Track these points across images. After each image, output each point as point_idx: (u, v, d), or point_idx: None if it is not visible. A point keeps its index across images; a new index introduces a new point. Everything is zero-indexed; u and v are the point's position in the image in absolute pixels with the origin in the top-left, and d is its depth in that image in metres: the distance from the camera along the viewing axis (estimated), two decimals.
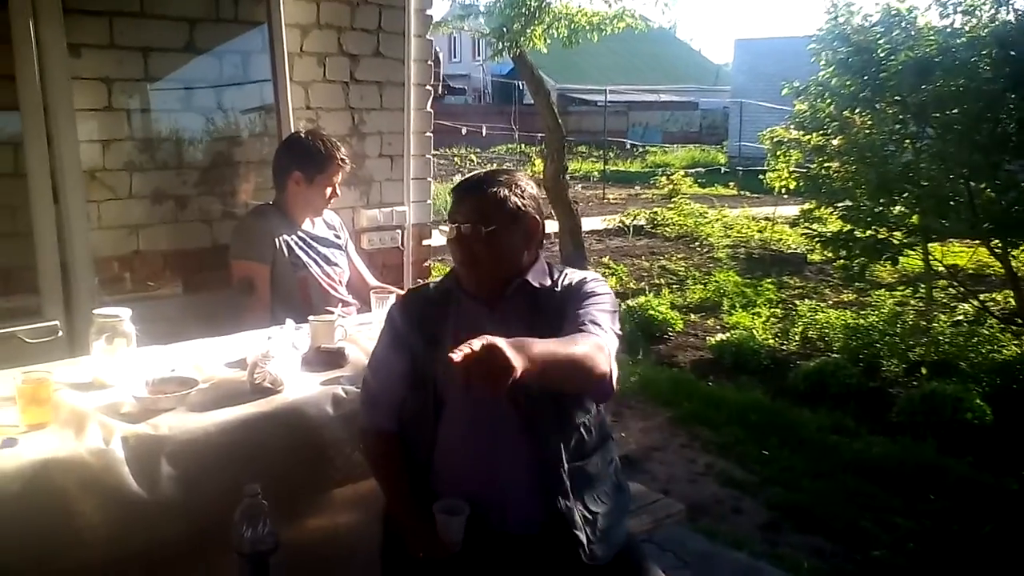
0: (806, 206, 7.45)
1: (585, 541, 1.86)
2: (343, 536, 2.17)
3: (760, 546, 3.60)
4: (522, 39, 8.09)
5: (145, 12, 3.16)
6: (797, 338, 6.70)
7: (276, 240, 3.06)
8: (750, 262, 9.87)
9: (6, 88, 2.80)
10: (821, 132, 6.75)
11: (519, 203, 1.94)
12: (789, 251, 10.35)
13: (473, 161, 20.48)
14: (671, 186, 15.29)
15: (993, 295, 7.14)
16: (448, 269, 2.13)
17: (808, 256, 9.75)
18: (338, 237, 3.31)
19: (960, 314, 6.77)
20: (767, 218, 12.19)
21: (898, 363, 5.96)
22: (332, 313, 2.63)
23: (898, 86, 5.87)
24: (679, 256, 10.24)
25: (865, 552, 3.58)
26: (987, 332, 6.18)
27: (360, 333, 2.60)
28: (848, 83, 6.28)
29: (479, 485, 1.89)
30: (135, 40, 3.15)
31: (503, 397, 1.72)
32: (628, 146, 25.14)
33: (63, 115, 2.89)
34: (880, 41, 6.05)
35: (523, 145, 23.80)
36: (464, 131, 20.43)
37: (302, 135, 3.22)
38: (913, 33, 6.02)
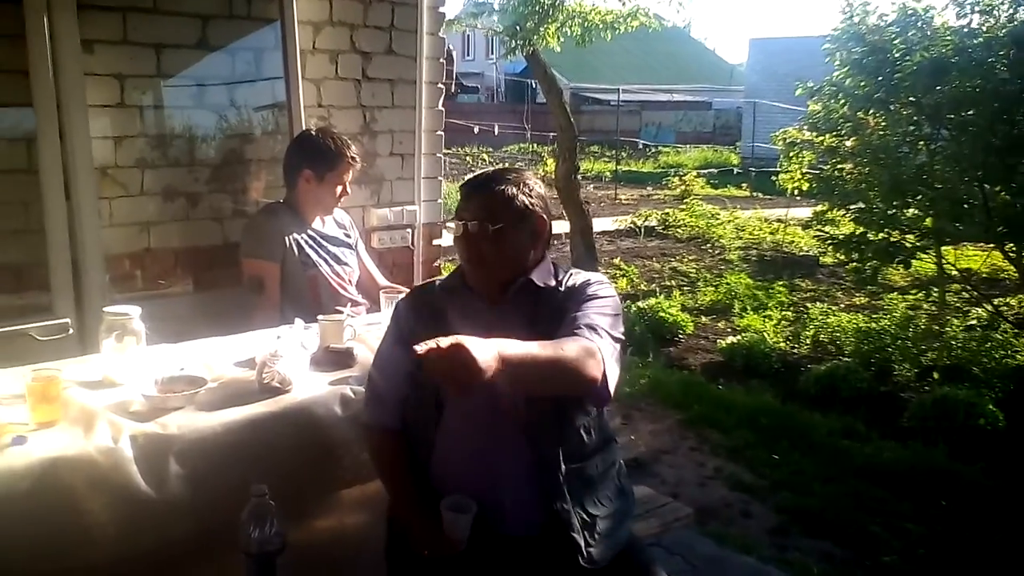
0: (819, 208, 7.43)
1: (582, 544, 1.86)
2: (350, 537, 2.17)
3: (769, 550, 3.59)
4: (535, 37, 8.08)
5: (158, 8, 3.16)
6: (808, 341, 6.67)
7: (286, 239, 3.06)
8: (762, 264, 9.84)
9: (20, 84, 2.81)
10: (834, 133, 6.73)
11: (527, 202, 1.94)
12: (801, 253, 10.31)
13: (485, 160, 20.47)
14: (683, 187, 15.25)
15: (1007, 299, 7.10)
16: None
17: (820, 259, 9.71)
18: (348, 236, 3.31)
19: (973, 318, 6.73)
20: (779, 220, 12.14)
21: (910, 367, 5.93)
22: (341, 312, 2.63)
23: (913, 87, 5.84)
24: (690, 258, 10.21)
25: (875, 557, 3.56)
26: (1000, 337, 6.14)
27: (369, 333, 2.60)
28: (862, 84, 6.25)
29: (479, 486, 1.89)
30: (148, 36, 3.15)
31: (504, 399, 1.80)
32: (640, 146, 25.06)
33: (76, 111, 2.90)
34: (895, 41, 6.02)
35: (535, 144, 23.76)
36: (476, 130, 20.41)
37: (313, 133, 3.22)
38: (929, 33, 5.99)
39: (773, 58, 23.12)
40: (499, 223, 1.90)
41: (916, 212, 6.11)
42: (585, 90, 29.24)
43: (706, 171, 18.01)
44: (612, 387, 1.80)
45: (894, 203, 6.08)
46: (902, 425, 5.01)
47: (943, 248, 6.59)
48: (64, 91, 2.86)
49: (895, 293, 7.74)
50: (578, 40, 8.58)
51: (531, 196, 1.95)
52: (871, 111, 6.27)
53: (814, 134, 7.06)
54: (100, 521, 1.79)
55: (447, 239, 4.13)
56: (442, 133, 4.15)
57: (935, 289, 7.07)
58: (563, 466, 1.88)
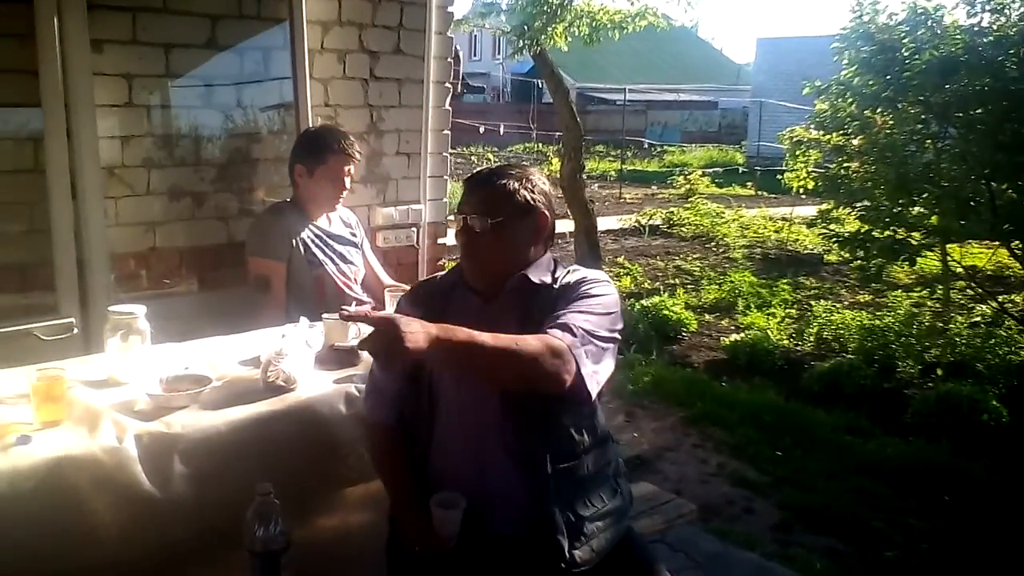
0: (824, 206, 7.42)
1: (566, 547, 1.83)
2: (354, 535, 2.18)
3: (772, 547, 3.60)
4: (543, 37, 8.08)
5: (168, 8, 3.16)
6: (812, 339, 6.67)
7: (293, 238, 3.07)
8: (766, 262, 9.84)
9: (28, 84, 2.82)
10: (841, 132, 6.72)
11: (528, 197, 1.92)
12: (806, 251, 10.31)
13: (490, 160, 20.45)
14: (688, 186, 15.25)
15: (1012, 296, 7.09)
16: None
17: (825, 256, 9.70)
18: (354, 235, 3.31)
19: (978, 315, 6.72)
20: (784, 218, 12.13)
21: (913, 364, 5.93)
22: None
23: (921, 85, 5.83)
24: (694, 256, 10.21)
25: (878, 553, 3.57)
26: (1004, 334, 6.14)
27: None
28: (871, 82, 6.24)
29: (469, 484, 1.89)
30: (157, 36, 3.16)
31: (489, 396, 1.84)
32: (646, 145, 25.04)
33: (84, 111, 2.90)
34: (905, 40, 6.01)
35: (540, 144, 23.77)
36: (482, 130, 20.43)
37: (312, 128, 3.23)
38: (939, 32, 5.97)
39: (780, 58, 23.12)
40: (499, 217, 1.90)
41: (922, 210, 6.10)
42: (591, 90, 29.21)
43: (711, 170, 17.97)
44: (593, 387, 1.77)
45: (900, 201, 6.07)
46: (905, 421, 5.02)
47: (948, 246, 6.58)
48: (72, 91, 2.87)
49: (899, 291, 7.74)
50: (586, 40, 8.59)
51: (534, 192, 1.94)
52: (879, 109, 6.27)
53: (821, 132, 7.06)
54: (104, 521, 1.80)
55: (452, 238, 4.15)
56: (449, 132, 4.15)
57: (940, 286, 7.06)
58: (550, 466, 1.86)
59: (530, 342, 1.71)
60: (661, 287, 8.44)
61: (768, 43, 26.03)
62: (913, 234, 6.07)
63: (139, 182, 3.22)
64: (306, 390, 2.18)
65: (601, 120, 27.13)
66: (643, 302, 7.25)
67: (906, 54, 5.95)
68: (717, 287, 8.24)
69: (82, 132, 2.91)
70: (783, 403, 5.30)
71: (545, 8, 7.96)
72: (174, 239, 3.32)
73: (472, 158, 20.49)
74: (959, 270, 6.84)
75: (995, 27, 5.89)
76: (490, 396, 1.87)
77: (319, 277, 3.12)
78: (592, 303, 1.86)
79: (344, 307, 1.75)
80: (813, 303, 7.65)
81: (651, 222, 12.07)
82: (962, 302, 7.22)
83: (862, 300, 7.97)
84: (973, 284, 6.84)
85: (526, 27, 8.12)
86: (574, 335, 1.75)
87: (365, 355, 2.38)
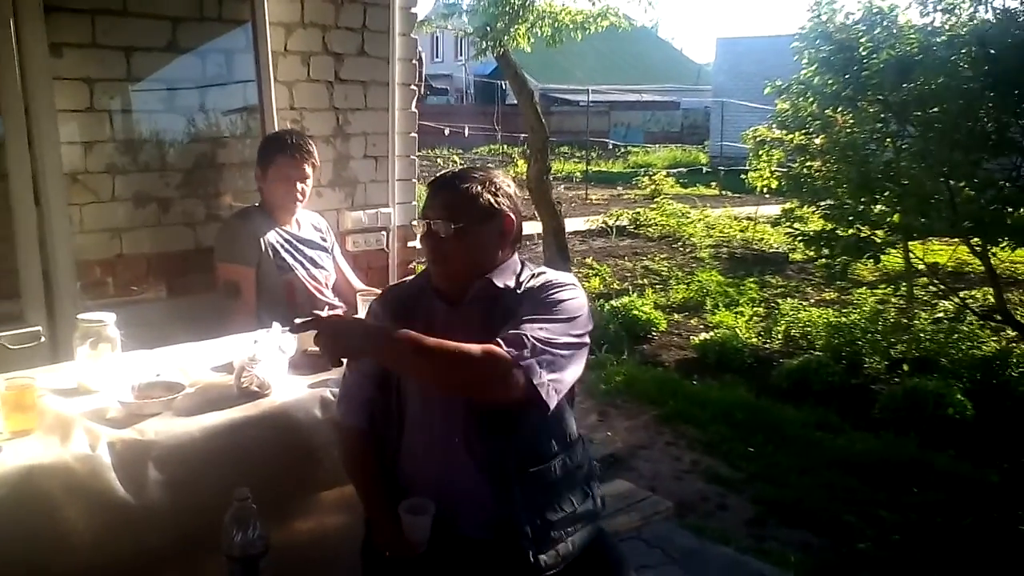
0: (788, 205, 7.50)
1: (530, 552, 1.83)
2: (330, 538, 2.17)
3: (747, 541, 3.63)
4: (506, 38, 8.07)
5: (128, 10, 3.12)
6: (780, 336, 6.75)
7: (261, 242, 3.04)
8: (732, 262, 9.93)
9: None
10: (803, 131, 6.79)
11: (492, 200, 1.89)
12: (771, 250, 10.42)
13: (456, 162, 20.46)
14: (653, 186, 15.36)
15: (972, 292, 7.22)
16: None
17: (790, 255, 9.81)
18: (324, 240, 3.29)
19: (940, 311, 6.84)
20: (749, 218, 12.25)
21: (880, 360, 6.02)
22: None
23: (880, 85, 5.92)
24: (662, 256, 10.28)
25: (850, 545, 3.62)
26: (967, 329, 6.26)
27: None
28: (830, 82, 6.32)
29: (438, 488, 1.88)
30: (118, 39, 3.11)
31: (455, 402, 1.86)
32: (610, 146, 25.18)
33: (44, 116, 2.85)
34: (862, 39, 6.10)
35: (506, 145, 23.80)
36: (447, 132, 20.40)
37: (272, 132, 3.20)
38: (895, 31, 6.07)
39: (740, 58, 23.32)
40: (461, 222, 1.86)
41: (884, 208, 6.18)
42: (554, 91, 29.32)
43: (675, 170, 18.14)
44: (550, 395, 1.74)
45: (862, 199, 6.15)
46: (874, 416, 5.09)
47: (910, 243, 6.68)
48: (32, 96, 2.81)
49: (864, 288, 7.84)
50: (548, 41, 8.59)
51: (498, 195, 1.90)
52: (839, 109, 6.35)
53: (783, 132, 7.13)
54: (78, 528, 1.77)
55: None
56: (416, 135, 4.14)
57: (903, 283, 7.17)
58: (516, 471, 1.85)
59: (472, 353, 1.70)
60: (630, 287, 8.48)
61: (728, 43, 26.26)
62: (876, 232, 6.16)
63: (103, 188, 3.17)
64: (280, 395, 2.17)
65: (565, 121, 27.24)
66: (612, 303, 7.28)
67: (864, 53, 6.04)
68: (685, 287, 8.30)
69: (43, 138, 2.86)
70: (754, 400, 5.35)
71: (507, 9, 7.95)
72: (140, 245, 3.27)
73: (438, 160, 20.48)
74: (921, 267, 6.96)
75: (947, 27, 6.01)
76: (456, 402, 1.86)
77: (289, 282, 3.09)
78: (555, 309, 1.83)
79: (297, 318, 1.86)
80: (780, 301, 7.73)
81: (618, 223, 12.13)
82: (925, 298, 7.34)
83: (828, 298, 8.07)
84: (935, 281, 6.96)
85: (488, 28, 8.10)
86: (524, 346, 1.73)
87: None
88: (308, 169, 3.11)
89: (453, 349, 1.71)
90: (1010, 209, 5.57)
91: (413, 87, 4.09)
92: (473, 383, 1.74)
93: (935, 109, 5.74)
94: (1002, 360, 5.63)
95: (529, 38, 8.36)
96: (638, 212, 12.71)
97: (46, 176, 2.88)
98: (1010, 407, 5.13)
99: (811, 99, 6.59)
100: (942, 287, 6.87)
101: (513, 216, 1.94)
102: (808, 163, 6.75)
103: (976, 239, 5.90)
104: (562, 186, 17.03)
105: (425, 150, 19.80)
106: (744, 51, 23.44)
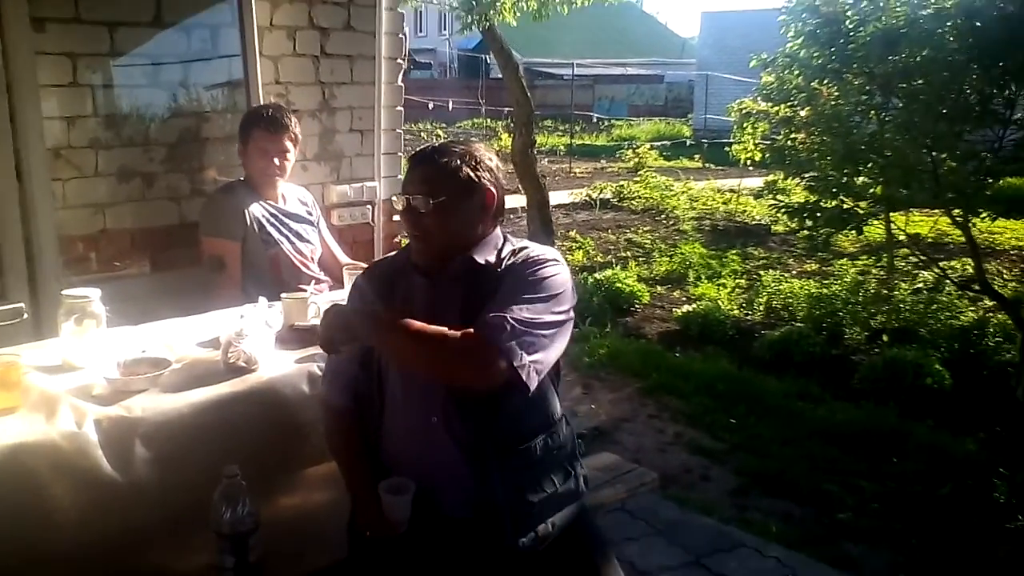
0: (770, 178, 7.52)
1: (509, 530, 1.83)
2: (317, 513, 2.18)
3: (730, 511, 3.68)
4: (492, 12, 8.01)
5: None
6: (762, 308, 6.79)
7: (247, 216, 3.03)
8: (715, 234, 9.95)
9: None
10: (788, 104, 6.79)
11: (473, 175, 1.86)
12: (753, 223, 10.44)
13: (440, 136, 20.35)
14: (637, 159, 15.32)
15: (952, 263, 7.28)
16: None
17: (772, 227, 9.84)
18: (310, 214, 3.28)
19: (920, 282, 6.90)
20: (732, 190, 12.27)
21: (860, 331, 6.08)
22: (304, 291, 2.63)
23: (866, 57, 5.90)
24: (645, 229, 10.29)
25: (831, 515, 3.68)
26: (946, 299, 6.32)
27: None
28: (816, 54, 6.29)
29: (419, 468, 1.87)
30: (101, 14, 3.07)
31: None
32: (594, 119, 25.09)
33: (27, 91, 2.82)
34: (848, 12, 6.08)
35: (490, 119, 23.68)
36: (431, 106, 20.28)
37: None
38: (881, 4, 6.05)
39: (724, 32, 23.28)
40: (441, 196, 1.84)
41: (867, 179, 6.21)
42: (539, 65, 29.12)
43: (659, 143, 18.07)
44: (531, 377, 1.71)
45: (846, 171, 6.16)
46: (854, 387, 5.15)
47: (892, 214, 6.73)
48: (14, 71, 2.78)
49: (845, 259, 7.90)
50: (535, 15, 8.52)
51: (478, 169, 1.87)
52: (824, 81, 6.33)
53: (768, 104, 7.12)
54: (63, 505, 1.78)
55: None
56: (401, 109, 4.13)
57: (884, 254, 7.22)
58: (496, 451, 1.84)
59: (451, 339, 1.70)
60: (613, 260, 8.49)
61: (712, 17, 26.18)
62: (860, 203, 6.19)
63: (87, 163, 3.14)
64: (267, 371, 2.17)
65: (549, 95, 27.10)
66: (596, 275, 7.30)
67: (850, 26, 6.01)
68: (668, 259, 8.32)
69: (26, 113, 2.82)
70: (736, 372, 5.39)
71: None
72: (124, 220, 3.25)
73: (421, 134, 20.35)
74: (903, 238, 7.01)
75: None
76: (435, 381, 1.86)
77: (274, 256, 3.09)
78: (538, 287, 1.80)
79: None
80: (762, 273, 7.77)
81: (602, 196, 12.12)
82: (906, 269, 7.40)
83: (809, 269, 8.12)
84: (916, 251, 7.02)
85: (474, 2, 8.03)
86: (504, 329, 1.70)
87: None
88: (287, 143, 3.09)
89: (432, 335, 1.71)
90: (991, 180, 5.61)
91: (399, 61, 4.06)
92: (453, 370, 1.74)
93: (920, 81, 5.73)
94: (979, 330, 5.70)
95: (515, 12, 8.29)
96: (622, 185, 12.69)
97: (28, 151, 2.84)
98: (986, 376, 5.21)
99: (796, 72, 6.57)
100: (923, 258, 6.92)
101: (494, 190, 1.91)
102: (792, 135, 6.74)
103: (957, 210, 5.94)
104: (546, 159, 16.98)
105: (409, 124, 19.65)
106: (729, 25, 23.38)
